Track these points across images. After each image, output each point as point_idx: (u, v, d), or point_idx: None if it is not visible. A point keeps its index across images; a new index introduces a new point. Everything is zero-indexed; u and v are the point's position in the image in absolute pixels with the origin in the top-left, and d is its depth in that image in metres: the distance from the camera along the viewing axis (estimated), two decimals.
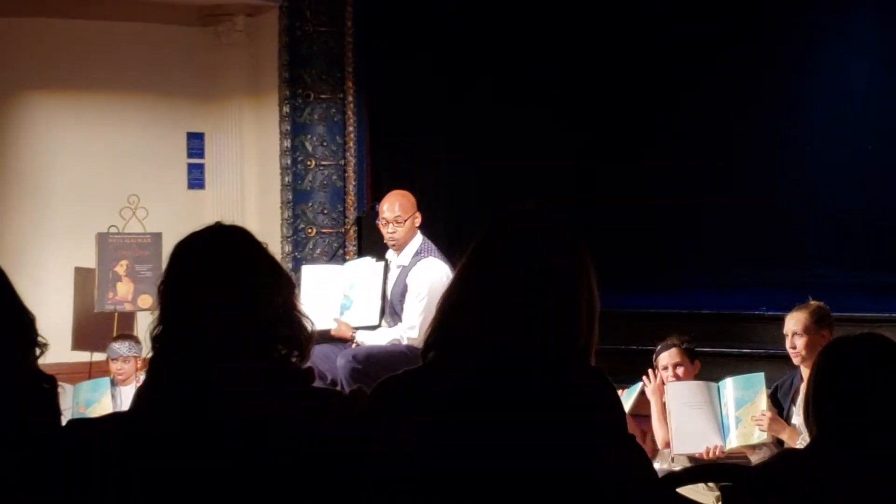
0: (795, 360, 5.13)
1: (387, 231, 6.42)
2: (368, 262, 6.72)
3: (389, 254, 6.48)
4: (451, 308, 2.28)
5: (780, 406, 5.15)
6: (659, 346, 5.50)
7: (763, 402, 5.04)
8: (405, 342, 6.12)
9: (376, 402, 2.31)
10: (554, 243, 2.26)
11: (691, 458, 5.11)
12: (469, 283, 2.28)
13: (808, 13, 10.25)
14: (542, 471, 2.17)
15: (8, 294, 2.48)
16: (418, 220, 6.39)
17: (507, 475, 2.18)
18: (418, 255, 6.27)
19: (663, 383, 5.36)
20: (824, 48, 10.28)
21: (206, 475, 2.22)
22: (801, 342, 5.07)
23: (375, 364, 5.88)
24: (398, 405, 2.28)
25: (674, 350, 5.41)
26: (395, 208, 6.39)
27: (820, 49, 10.29)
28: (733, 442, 5.09)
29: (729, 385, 5.18)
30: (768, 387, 5.16)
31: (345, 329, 6.29)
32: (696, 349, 5.64)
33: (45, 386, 2.44)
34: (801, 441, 4.77)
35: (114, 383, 6.16)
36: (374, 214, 8.71)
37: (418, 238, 6.37)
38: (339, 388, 5.74)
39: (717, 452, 5.07)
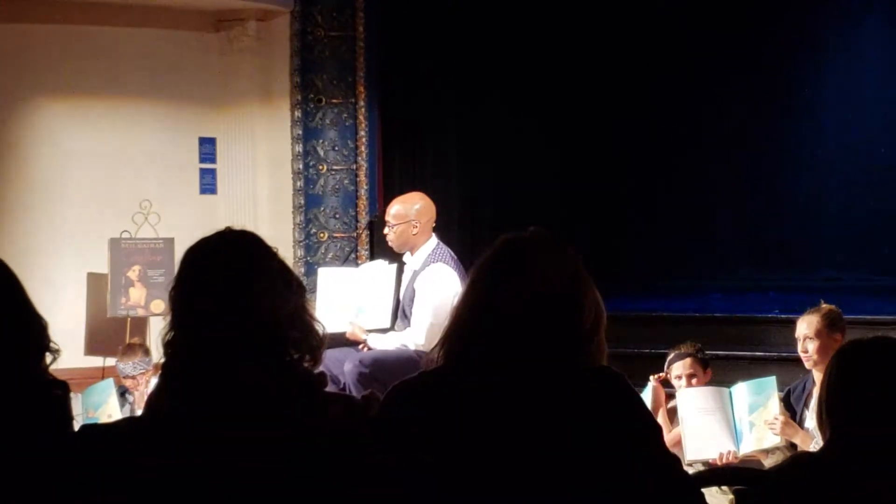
0: (808, 364, 5.12)
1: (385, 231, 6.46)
2: (381, 264, 6.72)
3: (406, 255, 6.46)
4: (460, 322, 2.41)
5: (792, 410, 5.13)
6: (672, 355, 5.50)
7: (775, 405, 5.02)
8: (412, 347, 6.11)
9: (393, 403, 2.39)
10: (552, 263, 2.41)
11: (705, 463, 5.10)
12: (477, 300, 2.41)
13: (820, 17, 10.23)
14: (560, 473, 2.20)
15: (20, 299, 2.48)
16: (415, 229, 6.28)
17: (523, 477, 2.21)
18: (429, 260, 6.26)
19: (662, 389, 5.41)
20: (837, 51, 10.26)
21: (219, 480, 2.22)
22: (812, 346, 5.06)
23: (382, 369, 5.88)
24: (415, 407, 2.35)
25: (688, 360, 5.42)
26: (391, 212, 6.40)
27: (833, 52, 10.28)
28: (747, 447, 5.08)
29: (741, 390, 5.17)
30: (781, 391, 5.15)
31: (358, 332, 6.29)
32: (709, 353, 5.64)
33: (58, 392, 2.44)
34: (814, 445, 4.76)
35: (125, 389, 6.20)
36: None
37: (432, 242, 6.34)
38: (347, 392, 5.73)
39: (731, 458, 5.06)
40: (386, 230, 6.41)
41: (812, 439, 4.85)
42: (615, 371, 2.36)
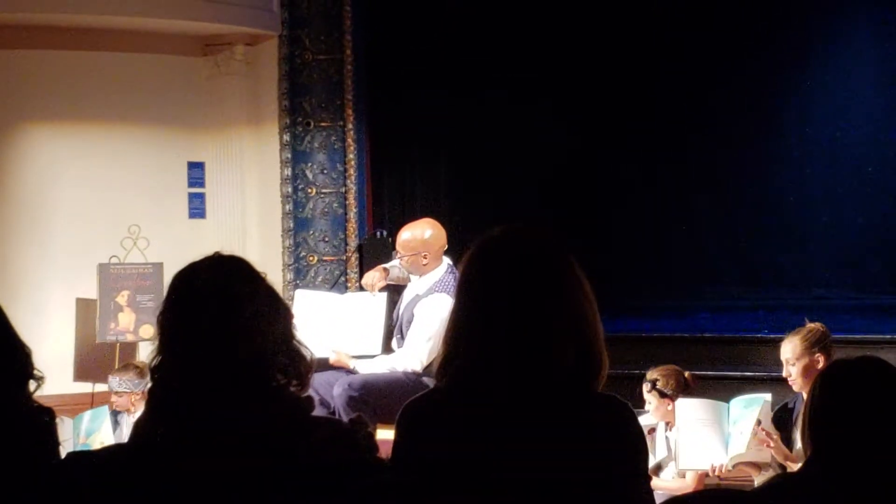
0: (794, 388, 5.13)
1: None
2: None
3: (413, 276, 6.44)
4: (453, 337, 2.38)
5: (786, 429, 5.14)
6: None
7: (753, 417, 5.04)
8: (401, 369, 6.11)
9: (408, 422, 2.39)
10: (531, 262, 2.36)
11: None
12: (462, 312, 2.39)
13: (808, 34, 10.29)
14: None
15: (3, 327, 2.47)
16: (425, 259, 6.24)
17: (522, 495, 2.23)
18: (434, 287, 6.23)
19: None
20: (825, 69, 10.31)
21: None
22: (795, 370, 5.07)
23: (372, 392, 5.87)
24: (428, 425, 2.36)
25: (643, 389, 5.51)
26: (400, 240, 6.39)
27: (821, 70, 10.33)
28: (733, 451, 5.09)
29: (737, 404, 5.20)
30: (772, 409, 5.16)
31: (344, 358, 6.27)
32: (698, 373, 5.67)
33: (44, 418, 2.43)
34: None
35: (118, 412, 6.19)
36: (376, 241, 8.77)
37: (440, 269, 6.28)
38: (337, 416, 5.72)
39: (723, 470, 5.08)
40: (398, 257, 6.41)
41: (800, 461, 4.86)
42: (622, 401, 2.36)
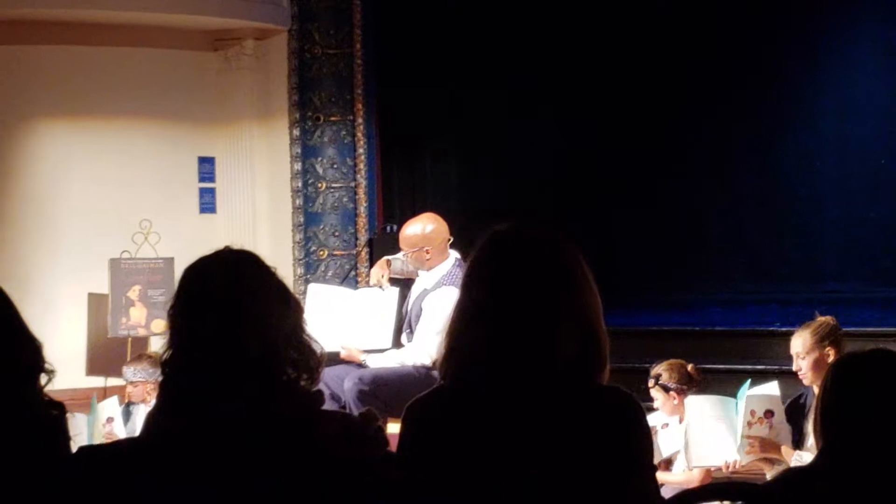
0: (805, 381, 5.13)
1: None
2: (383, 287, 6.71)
3: (421, 271, 6.44)
4: (456, 332, 2.39)
5: (797, 422, 5.13)
6: None
7: (742, 408, 5.04)
8: (410, 363, 6.12)
9: (413, 420, 2.40)
10: (538, 258, 2.37)
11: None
12: (467, 307, 2.39)
13: (817, 27, 10.26)
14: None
15: (14, 321, 2.48)
16: (428, 254, 6.27)
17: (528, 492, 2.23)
18: (442, 281, 6.24)
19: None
20: (836, 61, 10.28)
21: (214, 500, 2.22)
22: (805, 363, 5.07)
23: (383, 386, 5.89)
24: (434, 423, 2.36)
25: (649, 385, 5.52)
26: (401, 237, 6.40)
27: (832, 63, 10.30)
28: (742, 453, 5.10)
29: (740, 398, 5.19)
30: (783, 402, 5.15)
31: (355, 353, 6.28)
32: (709, 367, 5.67)
33: (54, 412, 2.44)
34: (794, 459, 4.81)
35: (131, 403, 6.23)
36: (386, 236, 8.78)
37: (448, 263, 6.28)
38: (347, 410, 5.73)
39: (735, 466, 5.08)
40: (402, 254, 6.42)
41: (793, 453, 4.87)
42: (626, 392, 2.36)
